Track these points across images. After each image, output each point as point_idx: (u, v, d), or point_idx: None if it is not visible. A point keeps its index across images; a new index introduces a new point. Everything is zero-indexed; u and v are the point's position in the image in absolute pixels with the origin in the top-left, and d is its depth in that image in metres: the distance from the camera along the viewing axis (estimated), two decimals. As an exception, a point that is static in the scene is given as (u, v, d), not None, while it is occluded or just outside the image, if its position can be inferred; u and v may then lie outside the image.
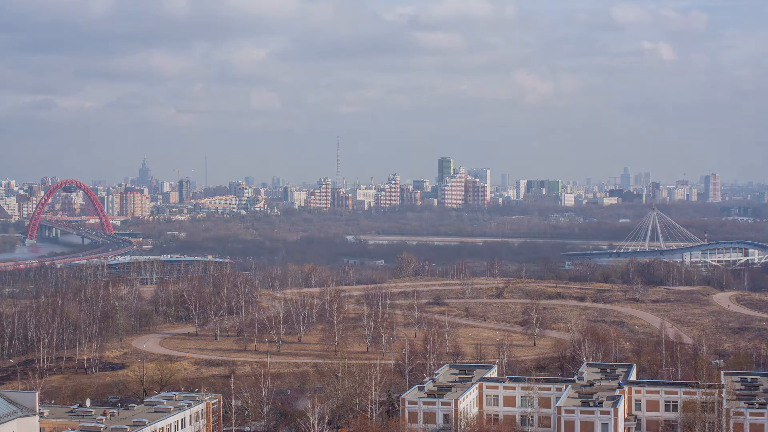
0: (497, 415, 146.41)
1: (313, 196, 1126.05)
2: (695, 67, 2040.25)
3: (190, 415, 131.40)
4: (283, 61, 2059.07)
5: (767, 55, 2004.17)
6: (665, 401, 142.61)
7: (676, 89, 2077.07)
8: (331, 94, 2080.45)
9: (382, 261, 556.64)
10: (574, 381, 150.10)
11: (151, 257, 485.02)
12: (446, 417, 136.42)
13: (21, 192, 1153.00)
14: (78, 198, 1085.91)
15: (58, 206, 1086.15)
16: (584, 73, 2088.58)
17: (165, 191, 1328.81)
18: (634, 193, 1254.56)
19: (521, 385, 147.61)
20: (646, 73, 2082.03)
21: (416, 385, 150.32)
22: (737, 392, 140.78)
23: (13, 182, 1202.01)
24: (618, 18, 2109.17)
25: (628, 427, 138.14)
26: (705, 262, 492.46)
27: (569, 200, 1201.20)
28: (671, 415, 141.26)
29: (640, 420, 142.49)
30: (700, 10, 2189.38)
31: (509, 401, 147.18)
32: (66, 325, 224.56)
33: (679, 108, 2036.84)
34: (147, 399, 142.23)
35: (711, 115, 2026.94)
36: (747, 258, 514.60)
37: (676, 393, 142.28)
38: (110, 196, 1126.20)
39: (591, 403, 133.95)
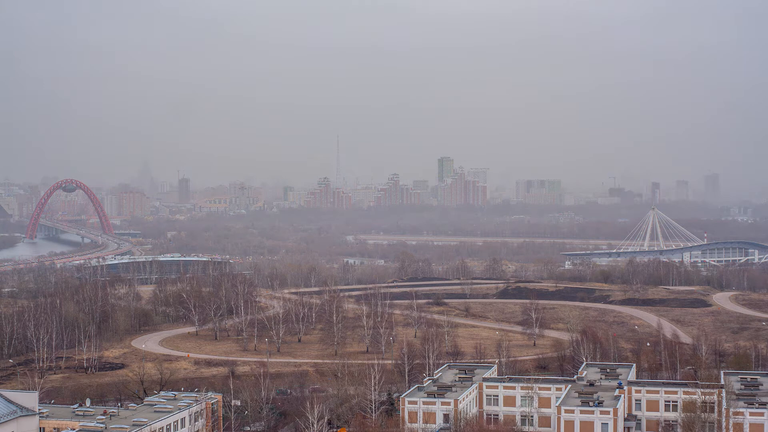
0: (497, 415, 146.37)
1: (313, 196, 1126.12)
2: (696, 66, 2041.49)
3: (190, 415, 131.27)
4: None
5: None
6: (665, 401, 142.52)
7: (675, 88, 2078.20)
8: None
9: (382, 261, 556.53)
10: (574, 381, 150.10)
11: (150, 257, 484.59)
12: (446, 417, 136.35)
13: (21, 192, 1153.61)
14: (78, 197, 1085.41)
15: (58, 206, 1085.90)
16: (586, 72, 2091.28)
17: (165, 191, 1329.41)
18: (634, 193, 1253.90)
19: (521, 384, 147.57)
20: (646, 73, 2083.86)
21: (416, 385, 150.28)
22: (737, 392, 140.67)
23: (13, 182, 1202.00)
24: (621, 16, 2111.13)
25: (628, 427, 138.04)
26: (705, 262, 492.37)
27: (569, 200, 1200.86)
28: (671, 415, 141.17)
29: (640, 420, 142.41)
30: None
31: (509, 401, 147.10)
32: (65, 324, 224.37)
33: (679, 107, 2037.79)
34: (147, 399, 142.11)
35: (712, 115, 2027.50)
36: (747, 258, 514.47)
37: (675, 393, 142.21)
38: (110, 196, 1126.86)
39: (591, 403, 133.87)
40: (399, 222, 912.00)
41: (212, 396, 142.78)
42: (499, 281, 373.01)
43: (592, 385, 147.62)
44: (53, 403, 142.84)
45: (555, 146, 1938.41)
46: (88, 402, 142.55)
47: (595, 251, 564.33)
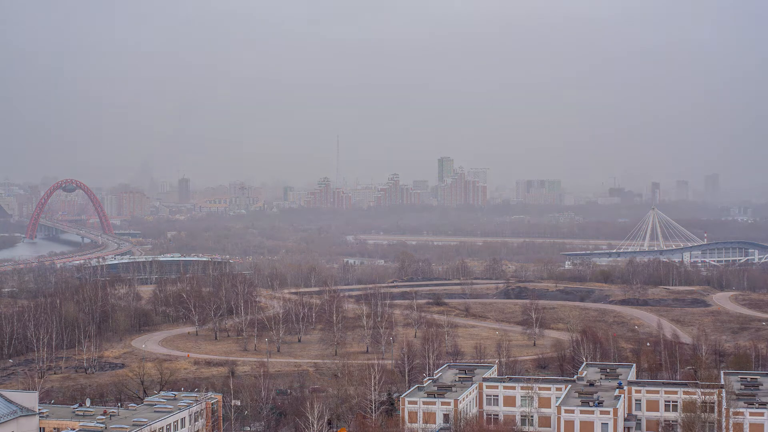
0: (497, 415, 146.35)
1: (313, 196, 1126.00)
2: (696, 66, 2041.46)
3: (190, 415, 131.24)
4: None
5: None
6: (665, 401, 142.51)
7: (675, 88, 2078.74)
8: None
9: (382, 261, 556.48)
10: (574, 381, 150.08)
11: (150, 257, 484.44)
12: (446, 417, 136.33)
13: (21, 192, 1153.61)
14: (78, 197, 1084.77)
15: (58, 206, 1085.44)
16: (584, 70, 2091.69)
17: (165, 191, 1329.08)
18: (634, 193, 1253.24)
19: (521, 384, 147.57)
20: (646, 73, 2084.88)
21: (416, 385, 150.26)
22: (737, 392, 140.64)
23: (13, 182, 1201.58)
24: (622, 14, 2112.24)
25: (628, 427, 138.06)
26: (705, 262, 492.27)
27: (569, 200, 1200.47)
28: (671, 415, 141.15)
29: (640, 420, 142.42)
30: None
31: (509, 401, 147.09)
32: (65, 324, 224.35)
33: (680, 107, 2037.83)
34: (147, 399, 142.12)
35: (712, 115, 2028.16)
36: (747, 258, 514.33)
37: (675, 393, 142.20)
38: (110, 196, 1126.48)
39: (591, 403, 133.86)
40: (399, 222, 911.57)
41: (212, 396, 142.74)
42: (499, 281, 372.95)
43: (592, 385, 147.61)
44: (53, 403, 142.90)
45: (555, 146, 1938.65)
46: (88, 402, 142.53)
47: (595, 251, 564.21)
